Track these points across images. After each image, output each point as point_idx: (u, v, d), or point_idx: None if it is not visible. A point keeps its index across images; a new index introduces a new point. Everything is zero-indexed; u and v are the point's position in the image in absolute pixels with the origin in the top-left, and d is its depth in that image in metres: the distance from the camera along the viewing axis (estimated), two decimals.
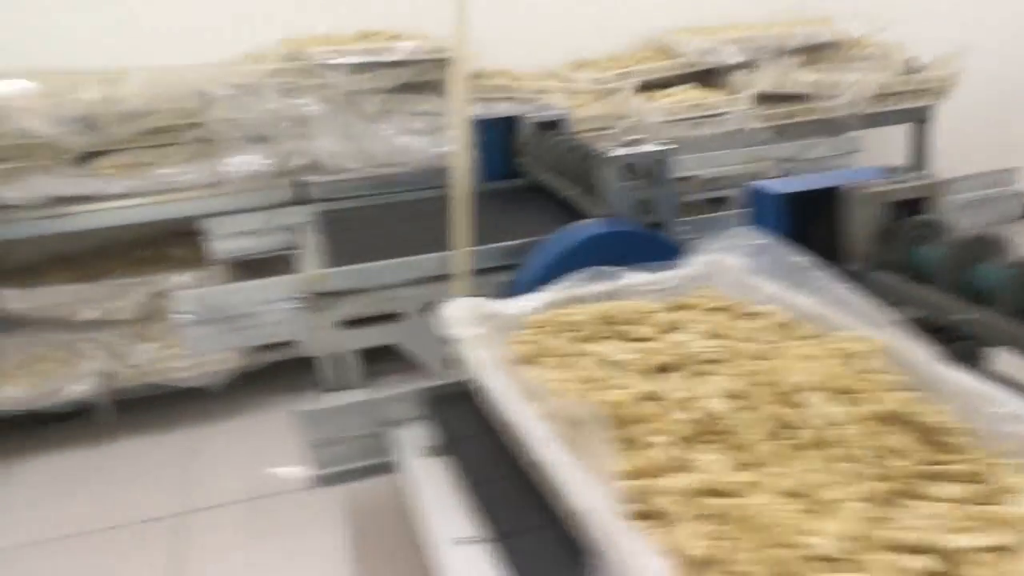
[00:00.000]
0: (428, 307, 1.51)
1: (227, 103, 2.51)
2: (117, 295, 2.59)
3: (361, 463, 1.06)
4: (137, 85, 2.45)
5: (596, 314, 1.02)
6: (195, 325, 1.43)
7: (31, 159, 2.50)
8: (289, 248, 1.90)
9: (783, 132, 2.72)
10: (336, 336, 1.48)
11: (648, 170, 1.49)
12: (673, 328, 0.97)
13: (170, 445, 2.67)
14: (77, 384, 2.54)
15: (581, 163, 1.68)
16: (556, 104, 2.50)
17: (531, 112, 1.97)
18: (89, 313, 2.58)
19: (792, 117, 2.69)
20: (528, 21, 3.04)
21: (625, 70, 2.75)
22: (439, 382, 1.06)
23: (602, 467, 0.70)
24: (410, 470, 0.94)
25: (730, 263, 1.11)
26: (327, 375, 2.93)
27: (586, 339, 0.97)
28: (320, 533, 2.16)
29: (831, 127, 2.64)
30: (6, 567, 2.15)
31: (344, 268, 1.47)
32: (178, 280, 2.62)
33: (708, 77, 2.87)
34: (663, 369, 0.88)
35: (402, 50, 2.53)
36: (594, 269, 1.13)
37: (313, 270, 1.54)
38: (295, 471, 2.43)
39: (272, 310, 1.45)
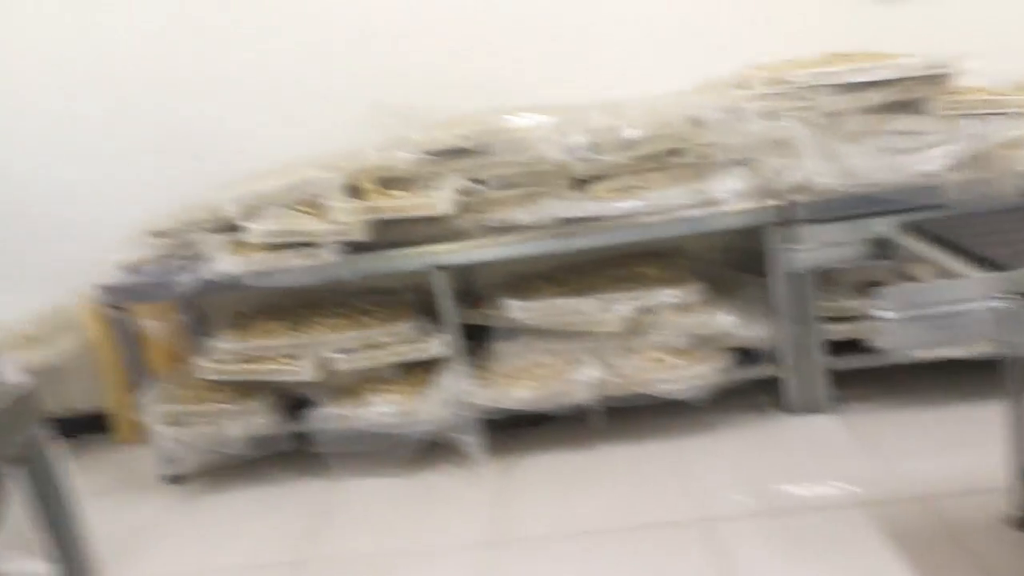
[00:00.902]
0: None
1: (716, 127, 2.67)
2: (605, 309, 2.80)
3: None
4: (636, 114, 2.68)
5: None
6: (897, 322, 1.50)
7: (540, 185, 2.80)
8: (865, 259, 1.96)
9: None
10: None
11: None
12: None
13: (659, 453, 2.77)
14: (574, 389, 2.76)
15: None
16: None
17: None
18: (581, 324, 2.82)
19: None
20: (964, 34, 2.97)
21: None
22: None
23: None
24: None
25: None
26: (794, 396, 2.95)
27: None
28: (864, 553, 2.09)
29: None
30: (530, 556, 2.30)
31: None
32: (663, 297, 2.80)
33: None
34: None
35: (894, 68, 2.57)
36: None
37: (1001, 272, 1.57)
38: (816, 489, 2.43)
39: (976, 308, 1.50)
